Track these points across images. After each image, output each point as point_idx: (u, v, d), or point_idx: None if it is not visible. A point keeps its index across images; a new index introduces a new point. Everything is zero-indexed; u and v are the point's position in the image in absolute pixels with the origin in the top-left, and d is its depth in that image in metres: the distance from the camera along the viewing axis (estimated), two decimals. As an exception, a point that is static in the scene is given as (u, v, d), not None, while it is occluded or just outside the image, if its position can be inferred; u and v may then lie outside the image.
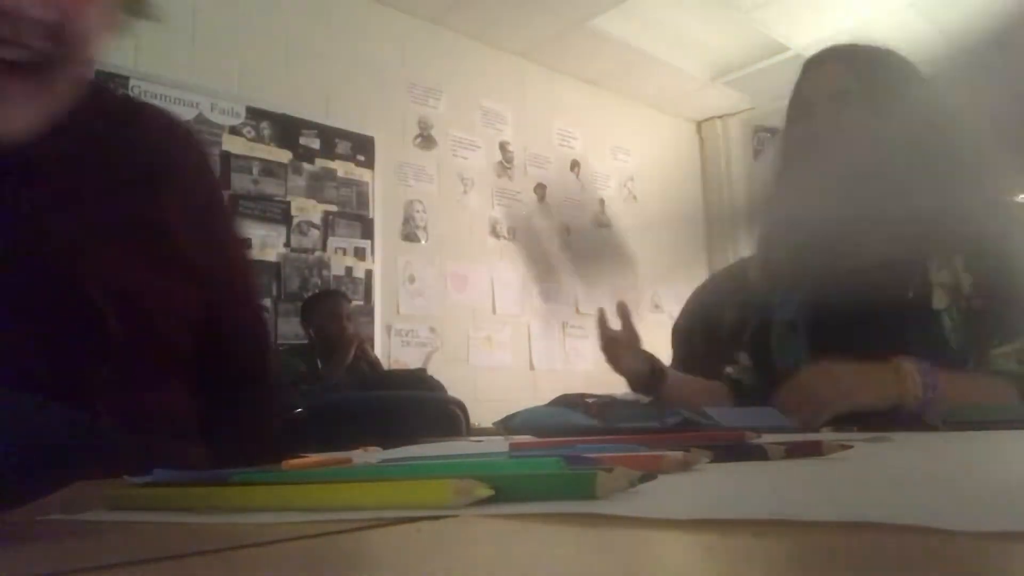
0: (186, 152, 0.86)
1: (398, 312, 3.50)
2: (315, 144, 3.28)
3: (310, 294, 3.12)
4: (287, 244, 3.14)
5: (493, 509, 0.31)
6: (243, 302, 0.91)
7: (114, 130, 0.78)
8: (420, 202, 3.67)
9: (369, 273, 3.43)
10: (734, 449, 0.50)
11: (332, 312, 2.85)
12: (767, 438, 0.60)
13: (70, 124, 0.70)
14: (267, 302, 3.13)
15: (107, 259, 0.73)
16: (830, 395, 0.87)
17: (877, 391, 0.86)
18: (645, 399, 1.21)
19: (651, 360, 1.20)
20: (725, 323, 1.28)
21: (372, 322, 3.40)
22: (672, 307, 4.52)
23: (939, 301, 0.94)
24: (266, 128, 3.14)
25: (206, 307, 0.80)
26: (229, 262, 0.90)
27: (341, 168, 3.37)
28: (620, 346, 1.18)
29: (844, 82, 1.02)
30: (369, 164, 3.47)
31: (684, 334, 1.69)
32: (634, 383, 1.19)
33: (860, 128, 1.00)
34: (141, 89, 2.79)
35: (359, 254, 3.41)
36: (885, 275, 0.97)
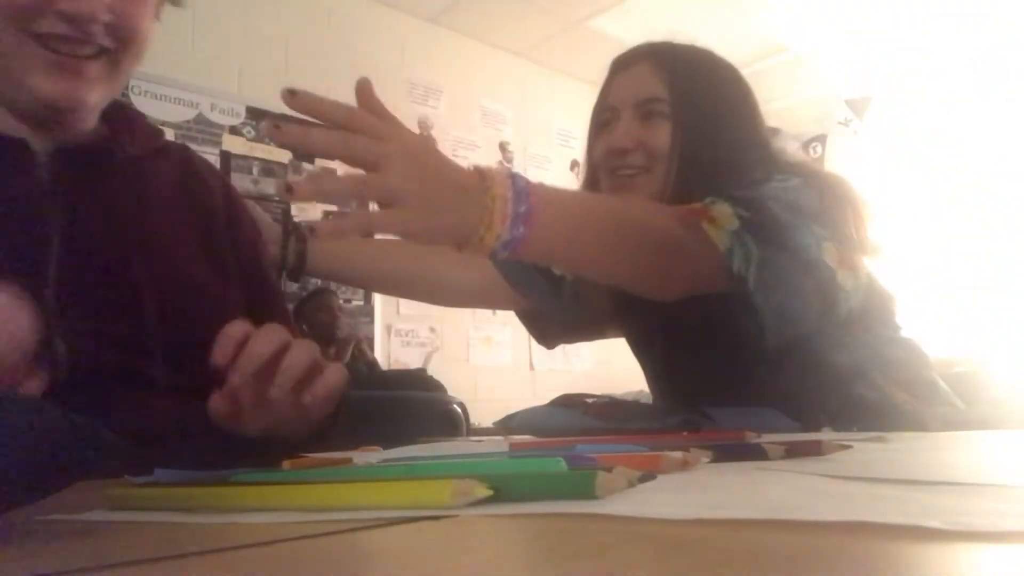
0: (204, 160, 0.96)
1: (398, 312, 3.50)
2: (315, 144, 3.29)
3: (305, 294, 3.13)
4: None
5: (493, 509, 0.31)
6: (275, 302, 0.91)
7: (157, 135, 0.87)
8: (420, 202, 3.68)
9: (369, 273, 3.43)
10: (734, 449, 0.50)
11: (322, 306, 2.86)
12: (767, 438, 0.60)
13: (129, 129, 0.82)
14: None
15: (173, 259, 0.80)
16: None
17: (448, 220, 0.62)
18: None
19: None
20: None
21: (372, 322, 3.40)
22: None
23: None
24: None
25: (247, 309, 0.81)
26: (260, 263, 0.92)
27: (341, 168, 3.37)
28: None
29: (653, 91, 0.95)
30: (369, 164, 3.47)
31: None
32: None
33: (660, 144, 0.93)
34: (141, 89, 2.79)
35: (359, 254, 3.41)
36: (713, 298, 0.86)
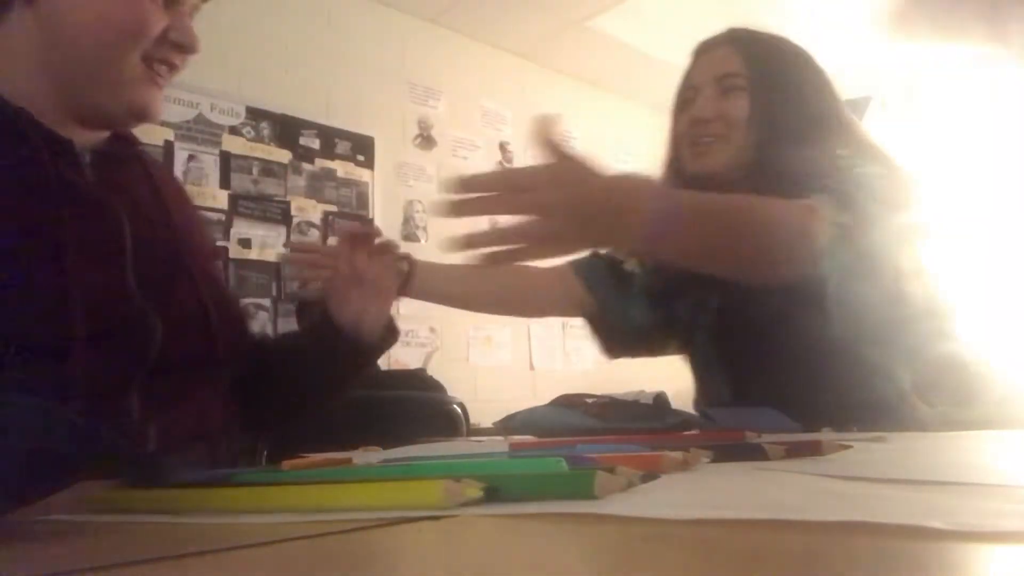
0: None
1: (398, 312, 3.50)
2: (315, 144, 3.28)
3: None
4: (287, 244, 3.14)
5: (493, 509, 0.31)
6: (234, 300, 0.96)
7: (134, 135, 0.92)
8: (420, 202, 3.67)
9: (369, 273, 3.43)
10: (734, 449, 0.50)
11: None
12: (767, 438, 0.60)
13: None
14: (267, 302, 3.13)
15: (201, 247, 0.89)
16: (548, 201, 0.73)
17: (599, 224, 0.72)
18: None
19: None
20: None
21: (372, 322, 3.40)
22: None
23: (832, 288, 0.88)
24: (266, 128, 3.14)
25: (215, 306, 0.86)
26: (216, 261, 1.01)
27: (341, 168, 3.37)
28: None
29: (731, 67, 1.03)
30: (369, 164, 3.47)
31: None
32: None
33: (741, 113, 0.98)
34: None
35: (359, 254, 3.41)
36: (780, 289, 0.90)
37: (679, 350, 1.17)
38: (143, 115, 0.80)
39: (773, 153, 0.94)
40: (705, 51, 1.08)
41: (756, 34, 1.09)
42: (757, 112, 0.98)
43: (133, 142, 0.88)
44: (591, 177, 0.71)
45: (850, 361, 0.89)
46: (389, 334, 0.96)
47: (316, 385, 0.95)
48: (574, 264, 1.17)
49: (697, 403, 1.11)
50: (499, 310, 1.27)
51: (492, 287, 1.19)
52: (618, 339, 1.19)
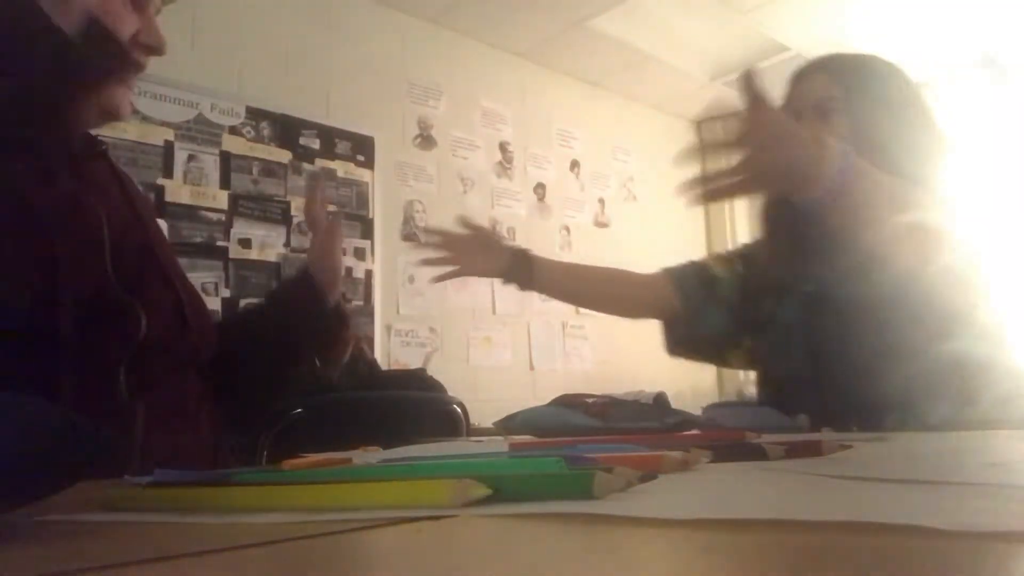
0: None
1: (398, 312, 3.50)
2: (315, 144, 3.28)
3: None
4: (287, 244, 3.14)
5: (493, 509, 0.31)
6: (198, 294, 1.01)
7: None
8: (420, 202, 3.67)
9: (369, 273, 3.42)
10: (734, 449, 0.50)
11: (327, 349, 2.84)
12: (767, 438, 0.60)
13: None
14: (267, 302, 3.12)
15: (164, 239, 0.95)
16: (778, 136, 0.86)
17: (802, 158, 0.86)
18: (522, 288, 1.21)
19: (510, 248, 1.21)
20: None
21: (372, 322, 3.40)
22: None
23: (922, 296, 0.96)
24: (266, 128, 3.14)
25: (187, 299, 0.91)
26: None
27: (341, 168, 3.37)
28: (469, 247, 1.19)
29: (828, 91, 1.07)
30: (369, 164, 3.47)
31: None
32: (504, 277, 1.20)
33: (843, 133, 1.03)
34: (141, 89, 2.79)
35: (359, 254, 3.41)
36: (874, 276, 0.99)
37: (744, 363, 1.23)
38: (114, 115, 0.83)
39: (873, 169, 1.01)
40: (803, 76, 1.13)
41: (849, 57, 1.13)
42: (856, 134, 1.03)
43: (99, 142, 0.90)
44: (793, 134, 0.86)
45: (922, 363, 0.93)
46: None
47: (283, 343, 1.02)
48: (668, 269, 1.26)
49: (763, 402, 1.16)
50: (602, 308, 1.33)
51: (599, 286, 1.28)
52: (688, 340, 1.25)
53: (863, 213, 0.88)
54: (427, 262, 1.20)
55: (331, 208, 1.15)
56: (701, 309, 1.20)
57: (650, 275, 1.28)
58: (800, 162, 0.85)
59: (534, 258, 1.21)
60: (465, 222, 1.21)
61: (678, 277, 1.24)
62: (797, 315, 1.11)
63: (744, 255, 1.24)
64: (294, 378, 1.10)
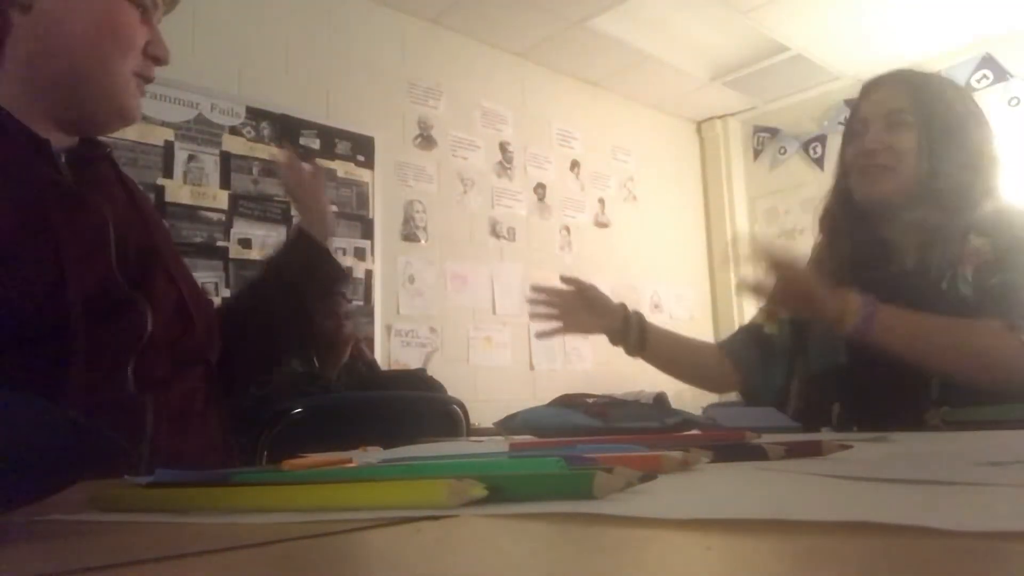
0: None
1: (398, 312, 3.50)
2: (315, 144, 3.28)
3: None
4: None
5: (492, 509, 0.31)
6: (203, 291, 1.03)
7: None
8: (420, 202, 3.67)
9: (369, 273, 3.42)
10: (734, 449, 0.50)
11: (328, 311, 2.84)
12: (767, 438, 0.60)
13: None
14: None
15: (171, 241, 0.97)
16: (798, 288, 1.00)
17: (822, 309, 1.00)
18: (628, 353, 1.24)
19: (622, 310, 1.24)
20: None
21: (372, 322, 3.40)
22: (672, 307, 4.52)
23: (965, 287, 1.01)
24: (266, 128, 3.14)
25: (190, 296, 0.92)
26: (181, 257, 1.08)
27: (341, 168, 3.37)
28: (575, 305, 1.22)
29: (899, 103, 1.12)
30: (369, 164, 3.47)
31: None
32: (612, 337, 1.24)
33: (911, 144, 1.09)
34: (141, 89, 2.79)
35: (359, 254, 3.41)
36: (924, 275, 1.05)
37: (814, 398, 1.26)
38: (129, 119, 0.88)
39: (938, 184, 1.07)
40: (874, 88, 1.18)
41: (921, 74, 1.19)
42: (923, 146, 1.09)
43: (102, 144, 0.92)
44: (815, 295, 1.00)
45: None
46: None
47: (287, 309, 1.05)
48: (720, 344, 1.32)
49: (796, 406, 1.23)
50: (691, 381, 1.36)
51: (690, 361, 1.31)
52: (765, 398, 1.29)
53: (895, 342, 0.97)
54: (535, 316, 1.25)
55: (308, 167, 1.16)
56: (760, 373, 1.25)
57: (711, 349, 1.33)
58: (822, 314, 1.00)
59: (649, 325, 1.25)
60: (569, 280, 1.24)
61: (731, 350, 1.28)
62: (838, 370, 1.14)
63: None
64: (303, 339, 1.11)
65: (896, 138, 1.10)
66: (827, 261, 1.19)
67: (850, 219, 1.16)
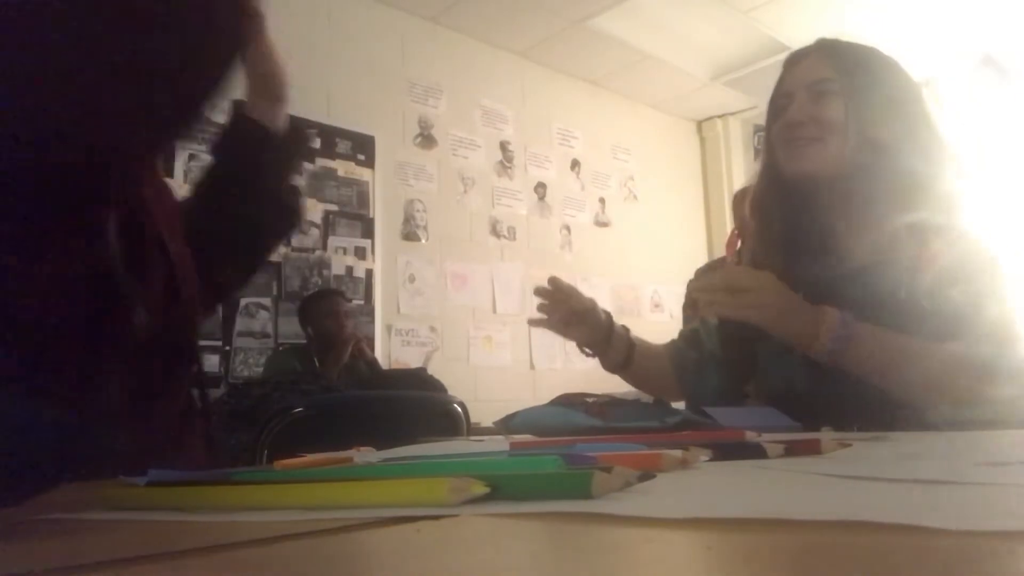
0: None
1: (398, 312, 3.50)
2: (315, 144, 3.28)
3: (308, 293, 3.11)
4: (287, 243, 3.14)
5: (492, 508, 0.31)
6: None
7: None
8: (420, 202, 3.67)
9: (369, 273, 3.43)
10: (733, 448, 0.50)
11: (330, 311, 2.84)
12: (767, 438, 0.60)
13: None
14: (267, 301, 3.13)
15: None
16: (765, 302, 0.94)
17: (796, 327, 0.93)
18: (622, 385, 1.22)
19: (607, 323, 1.20)
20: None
21: (372, 322, 3.40)
22: (672, 307, 4.52)
23: (926, 299, 0.94)
24: (266, 128, 3.14)
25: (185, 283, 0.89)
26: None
27: (341, 168, 3.37)
28: (565, 308, 1.19)
29: (823, 73, 1.05)
30: (369, 164, 3.47)
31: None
32: (594, 349, 1.20)
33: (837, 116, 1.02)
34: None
35: (359, 254, 3.41)
36: (877, 278, 0.98)
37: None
38: None
39: (868, 157, 1.00)
40: (796, 61, 1.11)
41: (846, 42, 1.11)
42: (850, 115, 1.02)
43: None
44: (792, 308, 0.94)
45: (926, 364, 0.93)
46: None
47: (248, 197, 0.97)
48: (667, 347, 1.28)
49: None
50: (658, 393, 1.31)
51: (658, 379, 1.27)
52: (704, 400, 1.27)
53: (869, 369, 0.92)
54: (534, 323, 1.22)
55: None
56: (695, 375, 1.21)
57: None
58: (797, 330, 0.93)
59: (637, 342, 1.21)
60: (553, 282, 1.19)
61: (671, 355, 1.25)
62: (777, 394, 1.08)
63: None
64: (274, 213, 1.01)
65: (821, 108, 1.03)
66: (761, 251, 1.12)
67: (782, 200, 1.10)
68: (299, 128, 1.01)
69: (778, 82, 1.12)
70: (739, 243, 2.64)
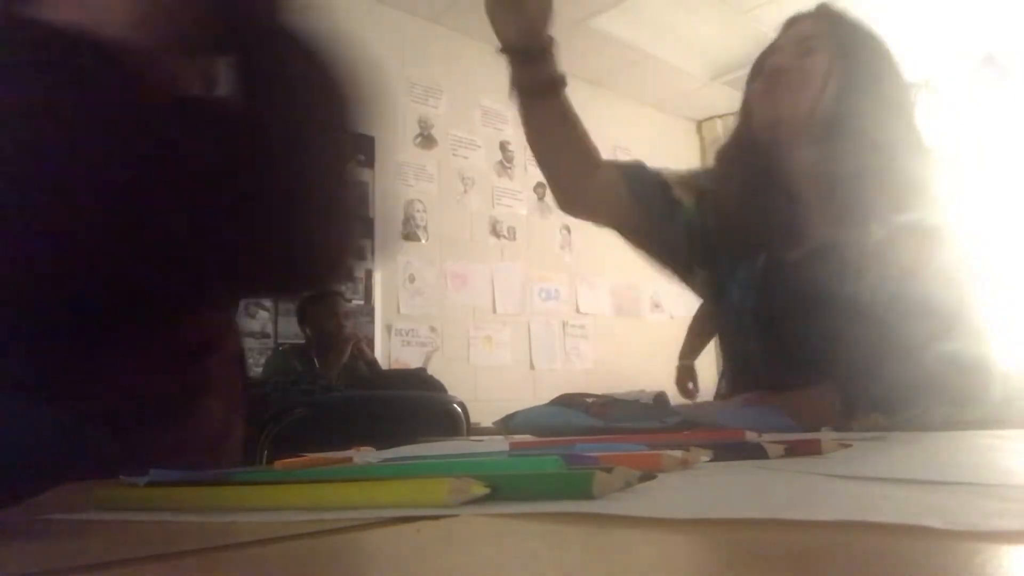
0: None
1: (398, 312, 3.50)
2: (315, 144, 3.28)
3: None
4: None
5: (492, 508, 0.31)
6: None
7: None
8: (420, 202, 3.67)
9: (369, 273, 3.43)
10: (733, 448, 0.50)
11: (329, 311, 2.84)
12: (767, 438, 0.60)
13: None
14: (267, 301, 3.12)
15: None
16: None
17: (807, 419, 0.86)
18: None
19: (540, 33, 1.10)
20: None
21: (372, 322, 3.40)
22: (672, 306, 4.52)
23: (869, 294, 0.94)
24: (266, 128, 3.14)
25: None
26: None
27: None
28: None
29: (816, 31, 1.05)
30: (369, 163, 3.46)
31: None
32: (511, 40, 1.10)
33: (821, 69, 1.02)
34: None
35: (359, 254, 3.41)
36: (828, 264, 0.97)
37: (700, 292, 1.19)
38: None
39: (844, 122, 0.98)
40: (792, 22, 1.11)
41: (845, 13, 1.10)
42: (833, 74, 1.01)
43: None
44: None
45: (877, 347, 0.90)
46: None
47: None
48: (618, 165, 1.16)
49: (723, 374, 1.16)
50: (559, 184, 1.20)
51: (574, 155, 1.15)
52: (646, 242, 1.17)
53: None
54: None
55: None
56: (659, 222, 1.13)
57: (609, 170, 1.16)
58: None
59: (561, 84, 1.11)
60: None
61: (633, 179, 1.15)
62: (749, 295, 1.06)
63: (702, 192, 1.15)
64: None
65: (806, 60, 1.03)
66: (718, 199, 1.09)
67: (748, 155, 1.07)
68: None
69: (770, 43, 1.12)
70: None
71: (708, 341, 3.09)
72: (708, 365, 2.99)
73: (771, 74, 1.05)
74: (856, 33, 1.07)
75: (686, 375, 2.86)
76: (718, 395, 1.19)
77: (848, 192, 0.98)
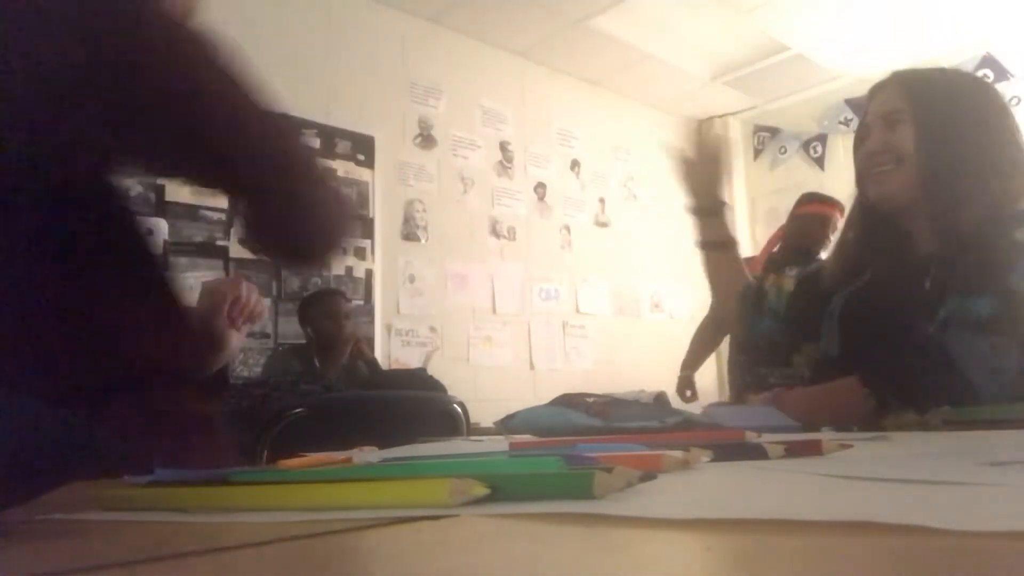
0: None
1: (398, 312, 3.50)
2: (315, 144, 3.28)
3: (308, 293, 3.11)
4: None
5: (492, 509, 0.31)
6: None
7: None
8: (420, 202, 3.67)
9: (369, 273, 3.43)
10: (734, 448, 0.50)
11: (329, 311, 2.84)
12: (767, 438, 0.60)
13: None
14: (267, 302, 3.12)
15: None
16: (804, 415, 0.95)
17: (834, 412, 0.96)
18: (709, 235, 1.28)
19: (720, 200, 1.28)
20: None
21: (372, 322, 3.40)
22: (672, 307, 4.52)
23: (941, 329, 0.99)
24: (266, 128, 3.14)
25: None
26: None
27: (341, 168, 3.37)
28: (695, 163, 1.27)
29: (896, 104, 1.14)
30: (369, 164, 3.47)
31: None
32: (696, 203, 1.28)
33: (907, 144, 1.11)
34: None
35: (359, 253, 3.41)
36: (927, 295, 1.04)
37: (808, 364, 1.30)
38: None
39: (946, 183, 1.07)
40: (876, 92, 1.21)
41: (922, 72, 1.21)
42: (923, 142, 1.10)
43: None
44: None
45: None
46: None
47: None
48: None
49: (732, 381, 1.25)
50: (724, 301, 1.40)
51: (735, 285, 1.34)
52: (744, 345, 1.33)
53: None
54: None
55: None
56: (750, 320, 1.29)
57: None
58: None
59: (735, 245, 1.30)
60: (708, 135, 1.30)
61: (739, 297, 1.33)
62: (842, 305, 1.16)
63: (803, 274, 1.32)
64: None
65: (895, 137, 1.13)
66: (836, 257, 1.22)
67: (868, 218, 1.19)
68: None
69: (862, 116, 1.23)
70: (778, 244, 2.74)
71: (710, 353, 3.18)
72: (708, 367, 2.99)
73: (869, 157, 1.16)
74: (937, 91, 1.15)
75: (686, 385, 2.99)
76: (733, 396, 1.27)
77: (953, 252, 1.05)
